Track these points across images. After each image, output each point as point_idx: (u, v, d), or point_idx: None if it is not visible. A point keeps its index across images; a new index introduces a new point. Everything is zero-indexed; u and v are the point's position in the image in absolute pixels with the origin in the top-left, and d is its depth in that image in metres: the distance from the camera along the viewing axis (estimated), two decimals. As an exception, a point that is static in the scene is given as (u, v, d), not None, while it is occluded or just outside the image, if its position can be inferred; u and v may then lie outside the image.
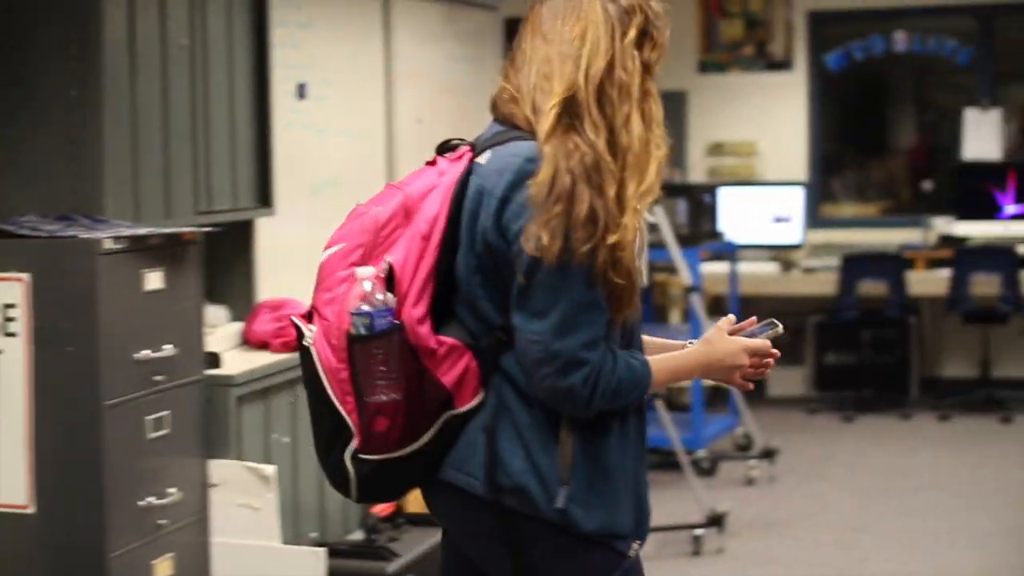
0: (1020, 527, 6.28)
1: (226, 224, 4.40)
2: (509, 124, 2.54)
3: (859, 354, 9.17)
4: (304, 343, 2.49)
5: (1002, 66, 9.62)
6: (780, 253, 9.16)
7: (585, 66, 2.47)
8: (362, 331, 2.42)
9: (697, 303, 7.02)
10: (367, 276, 2.44)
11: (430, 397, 2.47)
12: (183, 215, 4.09)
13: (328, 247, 2.56)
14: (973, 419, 8.37)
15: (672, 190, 7.67)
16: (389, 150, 6.27)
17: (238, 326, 4.44)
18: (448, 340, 2.47)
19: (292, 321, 2.56)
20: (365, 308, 2.42)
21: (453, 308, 2.52)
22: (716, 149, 9.69)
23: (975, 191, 9.07)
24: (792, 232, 9.08)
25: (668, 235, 6.81)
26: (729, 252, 8.08)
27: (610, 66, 2.50)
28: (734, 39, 9.69)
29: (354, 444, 2.47)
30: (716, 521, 6.00)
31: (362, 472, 2.49)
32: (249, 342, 4.40)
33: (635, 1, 2.59)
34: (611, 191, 2.40)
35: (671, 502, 6.49)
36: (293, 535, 4.18)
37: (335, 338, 2.45)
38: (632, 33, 2.55)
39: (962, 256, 8.71)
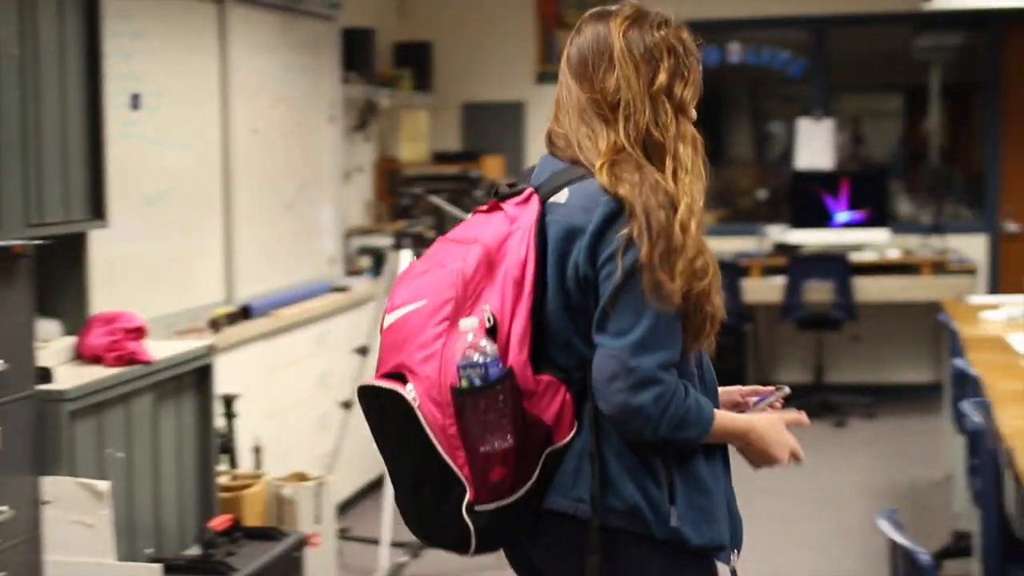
0: (854, 530, 6.42)
1: (58, 237, 4.31)
2: (570, 161, 2.60)
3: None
4: (408, 403, 2.48)
5: (834, 77, 9.85)
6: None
7: (623, 128, 2.55)
8: (476, 382, 2.43)
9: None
10: (472, 328, 2.46)
11: (533, 437, 2.50)
12: (13, 228, 4.00)
13: (398, 307, 2.57)
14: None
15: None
16: (225, 161, 6.21)
17: (70, 340, 4.36)
18: (544, 378, 2.51)
19: (377, 385, 2.55)
20: (477, 359, 2.43)
21: (542, 347, 2.54)
22: (554, 159, 9.73)
23: (808, 199, 9.26)
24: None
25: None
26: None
27: (648, 124, 2.56)
28: (571, 50, 9.75)
29: (469, 497, 2.47)
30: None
31: (479, 524, 2.49)
32: (82, 356, 4.32)
33: (663, 40, 2.62)
34: (692, 225, 2.47)
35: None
36: (128, 551, 4.10)
37: (438, 394, 2.46)
38: (663, 78, 2.59)
39: (795, 264, 8.90)
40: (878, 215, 9.19)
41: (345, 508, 6.65)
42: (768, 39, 9.73)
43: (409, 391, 2.48)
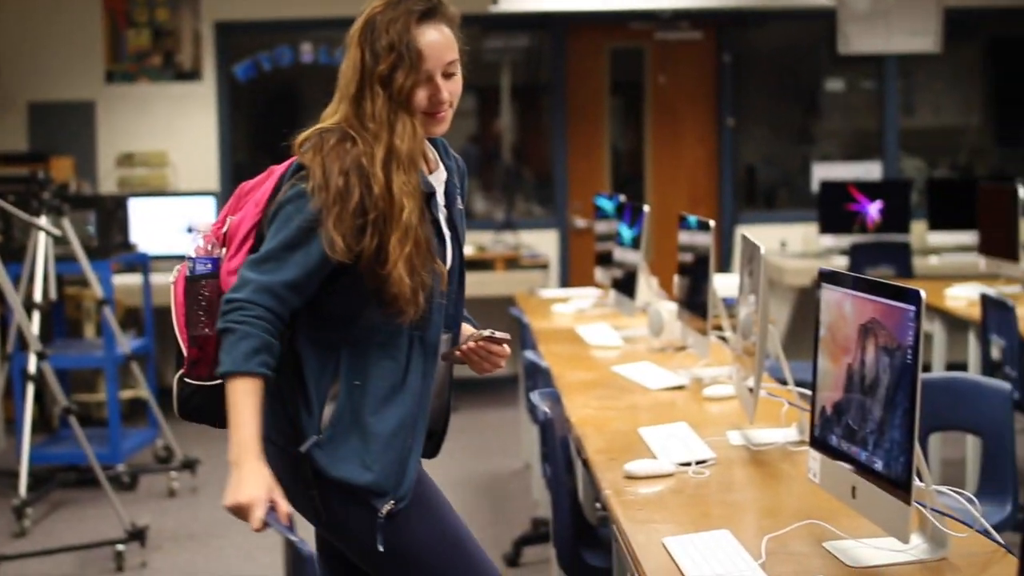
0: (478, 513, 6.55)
1: None
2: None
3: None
4: (169, 280, 2.93)
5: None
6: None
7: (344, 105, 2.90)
8: (188, 275, 2.87)
9: (110, 316, 6.90)
10: (200, 229, 2.94)
11: None
12: None
13: None
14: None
15: (81, 202, 7.50)
16: None
17: None
18: None
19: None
20: (192, 253, 2.89)
21: None
22: (126, 160, 9.53)
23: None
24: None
25: (77, 247, 6.67)
26: (142, 263, 7.97)
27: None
28: (141, 49, 9.56)
29: (182, 369, 2.88)
30: (137, 535, 5.92)
31: (183, 393, 2.89)
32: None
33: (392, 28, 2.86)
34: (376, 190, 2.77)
35: (92, 519, 6.35)
36: None
37: (184, 277, 2.89)
38: (382, 68, 2.83)
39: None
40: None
41: None
42: (340, 39, 9.77)
43: (176, 270, 2.92)
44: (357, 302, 2.82)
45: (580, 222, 9.98)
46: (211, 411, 2.87)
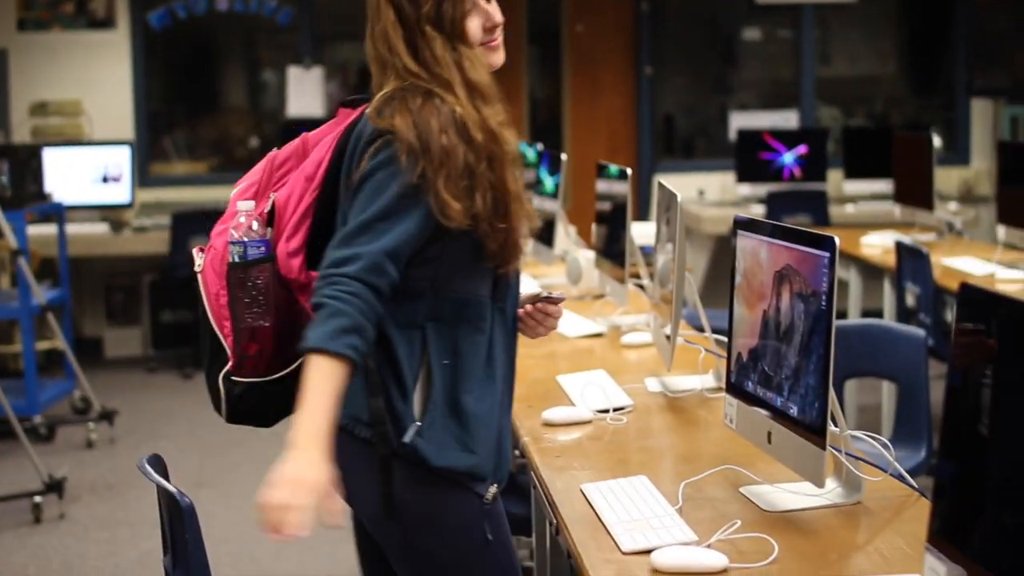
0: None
1: None
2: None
3: (194, 311, 9.15)
4: (195, 270, 2.65)
5: (324, 27, 9.93)
6: (110, 213, 9.03)
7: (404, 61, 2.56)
8: (236, 259, 2.57)
9: (25, 267, 6.82)
10: (245, 208, 2.60)
11: (301, 328, 2.49)
12: None
13: (236, 185, 2.73)
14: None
15: (-6, 151, 7.40)
16: None
17: None
18: (316, 274, 2.49)
19: (192, 251, 2.71)
20: (241, 237, 2.57)
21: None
22: (40, 109, 9.39)
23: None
24: (121, 192, 8.98)
25: (-8, 197, 6.57)
26: (57, 213, 7.88)
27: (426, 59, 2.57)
28: (54, -5, 9.43)
29: (228, 366, 2.59)
30: (55, 487, 5.88)
31: (233, 393, 2.60)
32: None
33: None
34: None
35: (9, 471, 6.29)
36: None
37: (219, 264, 2.61)
38: (426, 8, 2.56)
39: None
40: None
41: None
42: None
43: (200, 260, 2.66)
44: (444, 273, 2.56)
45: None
46: (262, 408, 2.63)
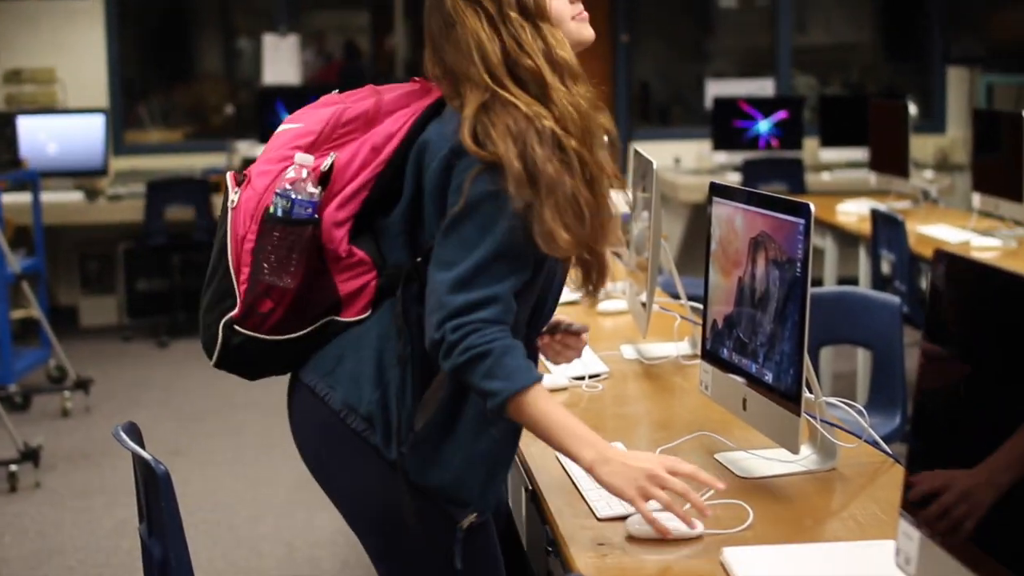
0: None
1: None
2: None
3: (170, 280, 9.19)
4: (227, 204, 2.50)
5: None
6: (84, 181, 8.98)
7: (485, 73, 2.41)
8: (279, 213, 2.43)
9: None
10: (305, 163, 2.45)
11: (321, 298, 2.47)
12: None
13: (286, 122, 2.58)
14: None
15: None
16: None
17: None
18: (360, 252, 2.45)
19: (224, 178, 2.56)
20: (292, 193, 2.43)
21: (377, 226, 2.47)
22: (14, 76, 9.32)
23: (274, 115, 9.24)
24: (95, 159, 8.93)
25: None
26: (31, 181, 7.84)
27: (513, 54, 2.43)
28: (27, -39, 9.36)
29: (233, 314, 2.47)
30: (30, 456, 5.86)
31: (231, 342, 2.49)
32: None
33: None
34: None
35: (-18, 441, 6.28)
36: None
37: (254, 207, 2.47)
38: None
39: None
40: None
41: None
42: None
43: (234, 193, 2.51)
44: None
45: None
46: (253, 363, 2.56)
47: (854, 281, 6.69)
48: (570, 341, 2.79)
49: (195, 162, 9.25)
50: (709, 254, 2.94)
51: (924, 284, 5.78)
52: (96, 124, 8.91)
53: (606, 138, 2.48)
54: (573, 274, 2.55)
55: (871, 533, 2.35)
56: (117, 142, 9.47)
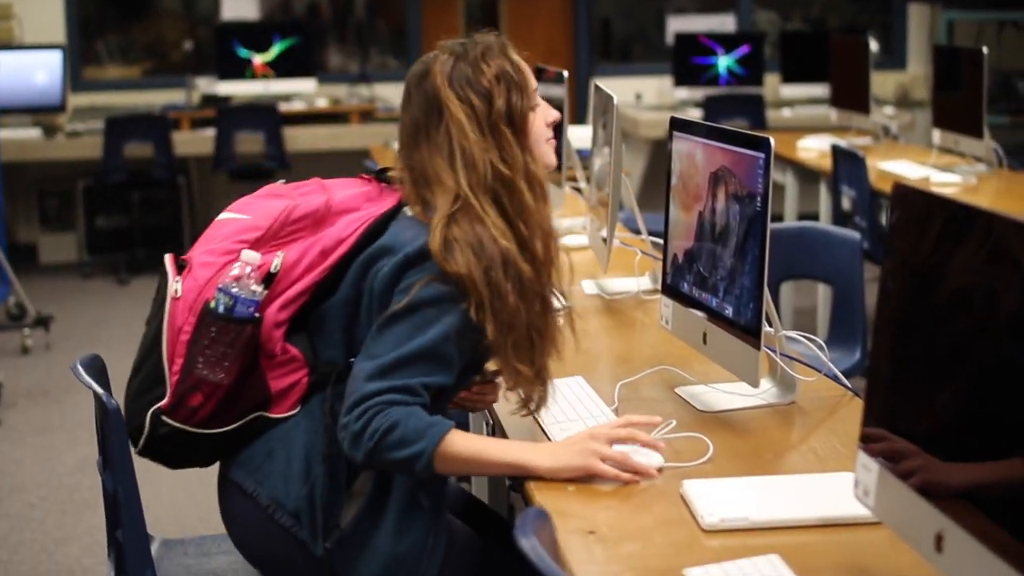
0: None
1: None
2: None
3: (130, 216, 9.14)
4: (167, 292, 2.46)
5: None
6: (42, 117, 8.89)
7: (464, 176, 2.41)
8: (220, 309, 2.40)
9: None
10: (252, 262, 2.42)
11: (252, 394, 2.44)
12: None
13: (231, 210, 2.54)
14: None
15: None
16: None
17: None
18: (293, 350, 2.43)
19: (164, 260, 2.52)
20: (235, 291, 2.40)
21: (312, 322, 2.45)
22: (-32, 10, 9.22)
23: (232, 52, 9.19)
24: (53, 96, 8.84)
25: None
26: (-12, 117, 7.77)
27: (493, 162, 2.43)
28: None
29: (162, 404, 2.43)
30: (-10, 394, 5.85)
31: (158, 432, 2.44)
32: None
33: (493, 69, 2.49)
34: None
35: (-59, 380, 6.26)
36: None
37: (194, 299, 2.43)
38: (500, 105, 2.46)
39: (225, 115, 8.85)
40: (306, 65, 9.24)
41: None
42: None
43: (175, 282, 2.47)
44: None
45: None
46: (178, 453, 2.52)
47: (815, 217, 6.71)
48: (487, 389, 2.73)
49: (154, 98, 9.18)
50: (670, 189, 2.94)
51: (884, 220, 5.80)
52: (54, 60, 8.82)
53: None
54: (512, 397, 2.53)
55: (830, 465, 2.37)
56: (75, 78, 9.38)
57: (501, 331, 2.35)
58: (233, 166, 8.87)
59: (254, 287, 2.42)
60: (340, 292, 2.46)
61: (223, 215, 2.56)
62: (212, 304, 2.41)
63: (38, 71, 8.79)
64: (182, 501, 4.92)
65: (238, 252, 2.45)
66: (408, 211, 2.47)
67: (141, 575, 2.52)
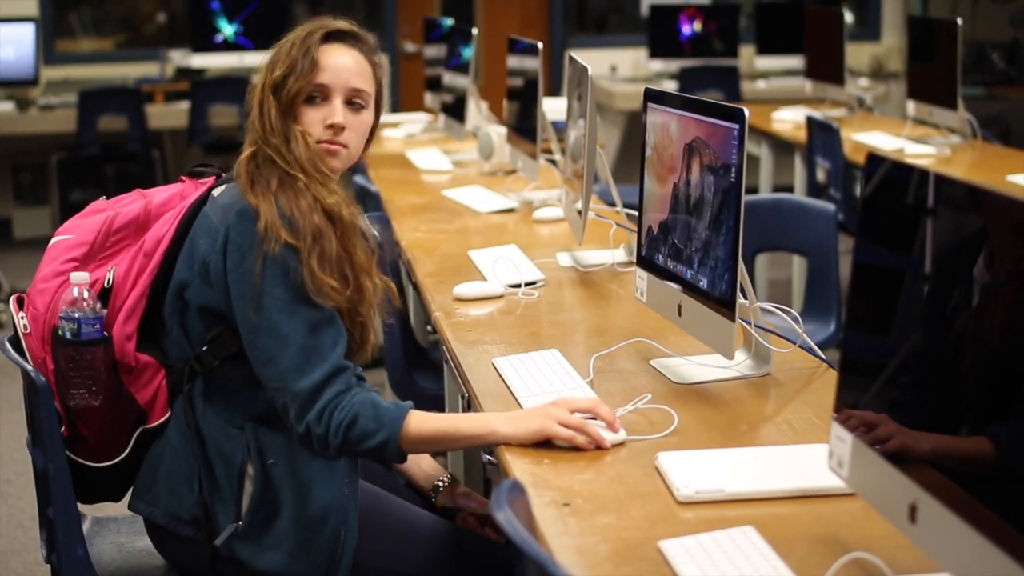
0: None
1: None
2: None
3: (104, 190, 9.08)
4: (19, 330, 2.48)
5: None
6: (15, 91, 8.83)
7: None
8: (68, 336, 2.40)
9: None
10: (81, 282, 2.42)
11: (127, 410, 2.47)
12: None
13: (59, 232, 2.54)
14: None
15: None
16: None
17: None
18: (144, 357, 2.44)
19: (10, 303, 2.52)
20: (76, 314, 2.40)
21: (153, 328, 2.47)
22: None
23: (207, 23, 9.12)
24: (26, 69, 8.78)
25: None
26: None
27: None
28: None
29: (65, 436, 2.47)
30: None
31: (76, 475, 2.49)
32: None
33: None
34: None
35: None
36: None
37: (42, 329, 2.45)
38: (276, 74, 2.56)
39: (199, 88, 8.80)
40: (278, 34, 9.16)
41: None
42: None
43: (21, 319, 2.48)
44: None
45: (410, 47, 9.87)
46: (114, 490, 2.59)
47: (789, 189, 6.72)
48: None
49: (128, 71, 9.13)
50: (644, 161, 2.93)
51: (859, 191, 5.81)
52: (26, 33, 8.76)
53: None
54: None
55: (805, 437, 2.37)
56: (48, 51, 9.32)
57: (308, 244, 2.39)
58: (207, 139, 8.83)
59: (89, 305, 2.43)
60: (170, 287, 2.48)
61: (53, 239, 2.57)
62: (60, 332, 2.43)
63: (10, 44, 8.72)
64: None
65: (68, 272, 2.48)
66: (215, 192, 2.51)
67: (73, 552, 2.52)
